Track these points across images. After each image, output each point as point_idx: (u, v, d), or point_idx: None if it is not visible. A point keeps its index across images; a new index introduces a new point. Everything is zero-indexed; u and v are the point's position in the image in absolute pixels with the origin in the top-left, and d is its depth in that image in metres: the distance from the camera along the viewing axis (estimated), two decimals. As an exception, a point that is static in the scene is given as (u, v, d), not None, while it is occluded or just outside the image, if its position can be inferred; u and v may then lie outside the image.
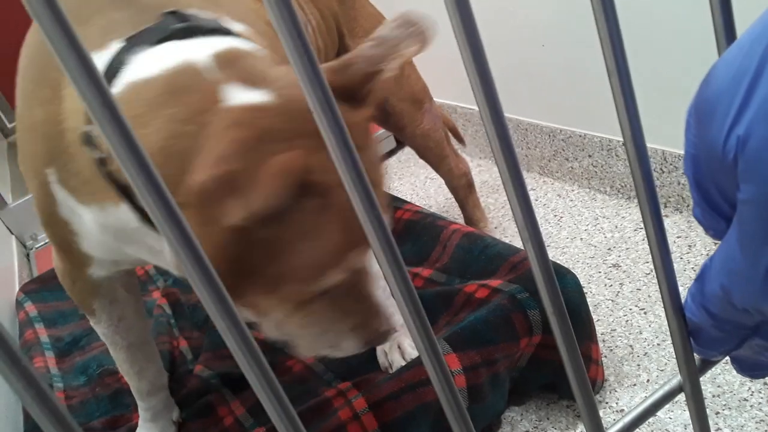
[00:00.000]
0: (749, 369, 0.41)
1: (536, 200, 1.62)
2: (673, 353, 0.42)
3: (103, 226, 0.73)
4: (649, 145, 1.33)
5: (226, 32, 0.68)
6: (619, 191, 1.49)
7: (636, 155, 0.35)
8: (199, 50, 0.63)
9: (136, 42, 0.65)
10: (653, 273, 1.27)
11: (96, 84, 0.24)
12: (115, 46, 0.65)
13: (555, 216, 1.54)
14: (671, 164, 1.32)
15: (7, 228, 2.04)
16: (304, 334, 0.71)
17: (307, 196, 0.57)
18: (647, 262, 1.30)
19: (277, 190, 0.52)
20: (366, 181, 0.29)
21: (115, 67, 0.64)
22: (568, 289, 1.02)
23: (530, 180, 1.70)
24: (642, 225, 1.37)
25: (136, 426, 1.09)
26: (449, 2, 0.28)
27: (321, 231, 0.60)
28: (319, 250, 0.61)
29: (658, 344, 1.11)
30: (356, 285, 0.69)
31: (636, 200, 1.41)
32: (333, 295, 0.67)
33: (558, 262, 1.29)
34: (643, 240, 1.34)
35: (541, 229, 1.50)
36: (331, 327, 0.71)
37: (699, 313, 0.37)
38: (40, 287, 1.59)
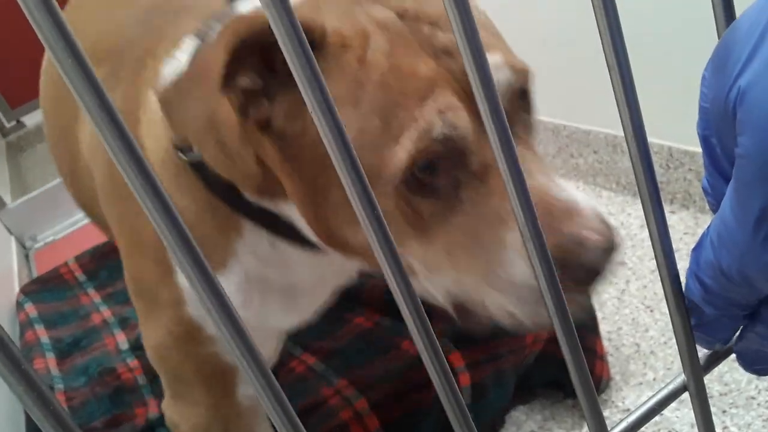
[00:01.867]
0: (754, 363, 0.40)
1: (540, 197, 1.60)
2: (681, 351, 0.41)
3: (249, 275, 0.65)
4: (655, 141, 1.32)
5: None
6: (624, 188, 1.47)
7: (638, 150, 0.34)
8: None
9: (206, 28, 0.61)
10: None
11: (94, 86, 0.23)
12: (191, 39, 0.62)
13: (559, 213, 1.53)
14: (677, 160, 1.30)
15: (7, 229, 2.04)
16: (451, 269, 0.52)
17: (319, 51, 0.49)
18: (653, 259, 1.28)
19: (226, 45, 0.46)
20: (364, 179, 0.28)
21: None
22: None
23: None
24: (647, 222, 1.36)
25: (138, 424, 1.08)
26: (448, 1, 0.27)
27: (351, 91, 0.49)
28: (360, 116, 0.48)
29: (665, 342, 1.10)
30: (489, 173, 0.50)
31: (641, 197, 1.40)
32: (453, 194, 0.50)
33: (562, 259, 1.27)
34: (648, 237, 1.33)
35: (545, 227, 1.49)
36: (476, 246, 0.50)
37: (693, 286, 0.36)
38: (40, 288, 1.58)
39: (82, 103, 0.23)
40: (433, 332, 0.32)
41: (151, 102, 0.64)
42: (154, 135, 0.64)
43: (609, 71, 0.34)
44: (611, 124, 1.42)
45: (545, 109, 1.62)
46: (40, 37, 0.22)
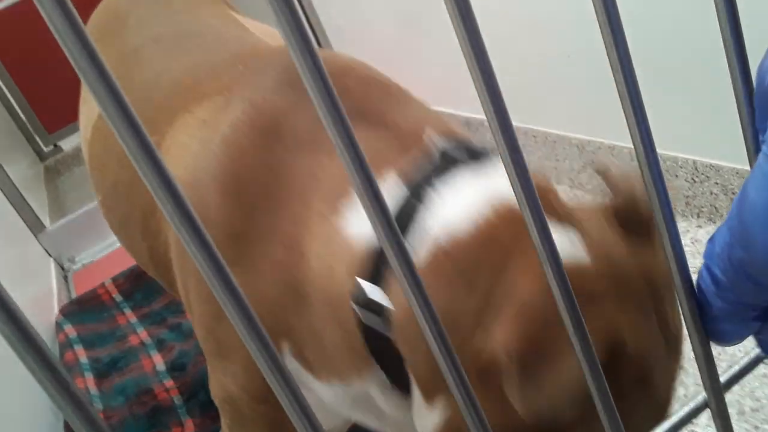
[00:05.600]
0: None
1: (567, 213, 1.60)
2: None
3: (340, 400, 0.63)
4: (679, 155, 1.32)
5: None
6: (650, 202, 1.47)
7: (646, 161, 0.35)
8: (499, 180, 0.51)
9: (419, 177, 0.53)
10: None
11: (145, 146, 0.25)
12: (394, 181, 0.55)
13: (586, 228, 1.53)
14: (703, 174, 1.30)
15: (46, 251, 2.09)
16: None
17: (619, 363, 0.46)
18: (681, 274, 1.28)
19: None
20: (386, 207, 0.29)
21: (407, 210, 0.52)
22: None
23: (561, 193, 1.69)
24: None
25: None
26: (451, 7, 0.28)
27: (634, 408, 0.47)
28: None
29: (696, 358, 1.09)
30: None
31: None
32: None
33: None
34: (677, 251, 1.32)
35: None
36: None
37: (705, 278, 0.35)
38: (78, 309, 1.63)
39: (145, 177, 0.25)
40: (455, 355, 0.33)
41: (326, 235, 0.58)
42: (327, 272, 0.58)
43: (615, 81, 0.34)
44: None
45: (570, 125, 1.62)
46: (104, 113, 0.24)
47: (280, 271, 0.60)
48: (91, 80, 0.24)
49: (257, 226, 0.62)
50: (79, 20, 0.24)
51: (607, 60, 0.33)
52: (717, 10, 0.36)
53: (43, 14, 0.24)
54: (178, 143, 0.73)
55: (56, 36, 0.24)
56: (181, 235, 0.27)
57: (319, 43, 2.07)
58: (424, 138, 0.57)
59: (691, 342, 0.39)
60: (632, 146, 0.34)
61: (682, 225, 1.37)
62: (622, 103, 0.34)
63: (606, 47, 0.33)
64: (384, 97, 0.64)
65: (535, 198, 0.32)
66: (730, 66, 0.38)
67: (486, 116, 0.30)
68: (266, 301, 0.61)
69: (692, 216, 1.37)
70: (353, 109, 0.60)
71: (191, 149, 0.70)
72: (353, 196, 0.55)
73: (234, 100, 0.69)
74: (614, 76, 0.34)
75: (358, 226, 0.55)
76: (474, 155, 0.55)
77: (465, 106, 1.85)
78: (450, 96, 1.92)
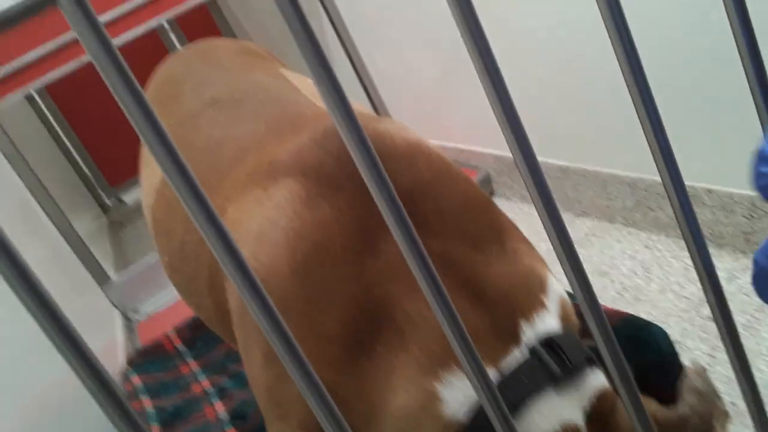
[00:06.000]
0: None
1: (622, 252, 1.59)
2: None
3: None
4: (735, 190, 1.30)
5: (587, 358, 0.60)
6: (707, 239, 1.44)
7: (675, 194, 0.36)
8: (573, 406, 0.57)
9: (513, 383, 0.58)
10: (750, 324, 1.22)
11: (207, 209, 0.27)
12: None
13: (643, 268, 1.50)
14: (761, 209, 1.28)
15: (111, 302, 2.16)
16: None
17: None
18: (744, 313, 1.25)
19: None
20: (414, 237, 0.31)
21: None
22: (657, 340, 0.99)
23: (614, 232, 1.67)
24: (736, 274, 1.33)
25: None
26: (475, 58, 0.29)
27: None
28: None
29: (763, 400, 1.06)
30: None
31: (727, 248, 1.37)
32: None
33: (649, 316, 1.25)
34: (739, 290, 1.29)
35: (630, 282, 1.47)
36: None
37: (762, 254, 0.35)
38: (144, 359, 1.68)
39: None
40: (486, 371, 0.34)
41: (420, 388, 0.61)
42: (411, 420, 0.61)
43: (636, 110, 0.35)
44: (687, 175, 1.40)
45: (621, 163, 1.62)
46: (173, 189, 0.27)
47: (357, 381, 0.63)
48: (156, 150, 0.27)
49: (341, 327, 0.64)
50: (145, 96, 0.27)
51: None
52: (741, 56, 0.37)
53: (111, 90, 0.27)
54: (252, 218, 0.73)
55: (123, 107, 0.26)
56: (240, 291, 0.29)
57: (375, 109, 2.09)
58: (519, 334, 0.60)
59: (739, 384, 0.38)
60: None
61: (742, 262, 1.34)
62: (645, 135, 0.35)
63: (624, 74, 0.34)
64: (470, 243, 0.66)
65: (565, 230, 0.33)
66: (754, 99, 0.39)
67: (515, 161, 0.32)
68: (334, 393, 0.62)
69: (752, 252, 1.34)
70: (440, 258, 0.62)
71: (267, 234, 0.69)
72: (453, 369, 0.58)
73: (314, 190, 0.68)
74: (633, 101, 0.35)
75: (452, 402, 0.59)
76: (565, 370, 0.58)
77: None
78: (497, 138, 1.93)
